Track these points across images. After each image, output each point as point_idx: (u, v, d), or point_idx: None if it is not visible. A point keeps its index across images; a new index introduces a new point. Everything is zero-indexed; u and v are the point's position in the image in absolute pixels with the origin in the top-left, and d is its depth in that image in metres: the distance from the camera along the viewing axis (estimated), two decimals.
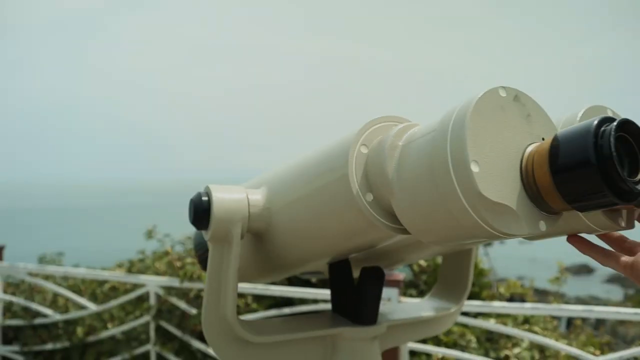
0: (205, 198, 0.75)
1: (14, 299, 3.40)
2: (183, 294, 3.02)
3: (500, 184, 0.48)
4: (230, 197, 0.76)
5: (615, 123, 0.47)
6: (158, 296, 3.03)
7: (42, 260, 4.58)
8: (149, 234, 3.95)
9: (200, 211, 0.74)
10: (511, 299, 3.97)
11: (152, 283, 3.00)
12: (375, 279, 0.88)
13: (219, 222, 0.73)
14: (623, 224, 0.59)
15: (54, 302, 3.42)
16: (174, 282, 2.91)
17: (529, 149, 0.51)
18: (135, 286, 3.17)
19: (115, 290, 3.37)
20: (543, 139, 0.53)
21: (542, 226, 0.50)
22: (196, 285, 2.87)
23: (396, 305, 1.07)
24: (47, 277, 3.48)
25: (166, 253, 3.28)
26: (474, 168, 0.46)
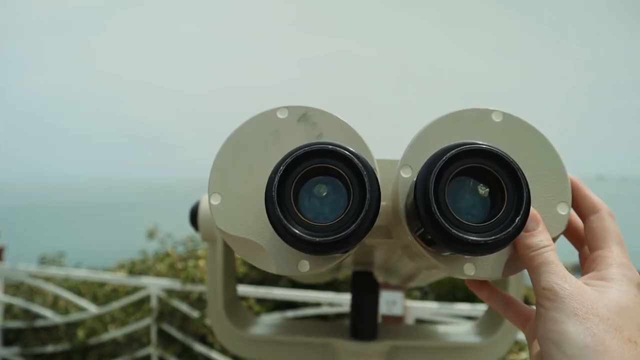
0: (196, 206, 0.87)
1: (14, 300, 3.37)
2: (185, 296, 2.99)
3: (249, 218, 0.43)
4: None
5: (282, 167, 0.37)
6: (159, 298, 3.00)
7: (43, 260, 4.56)
8: (151, 234, 3.94)
9: (192, 215, 0.86)
10: None
11: (154, 285, 2.97)
12: (364, 292, 0.85)
13: (202, 224, 0.85)
14: (472, 273, 0.43)
15: (54, 303, 3.40)
16: (176, 285, 2.89)
17: None
18: (137, 288, 3.14)
19: (116, 291, 3.35)
20: None
21: (304, 266, 0.42)
22: (198, 288, 2.84)
23: (418, 327, 1.00)
24: (47, 279, 3.45)
25: (167, 255, 3.25)
26: (214, 200, 0.44)
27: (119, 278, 3.20)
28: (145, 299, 3.10)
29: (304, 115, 0.45)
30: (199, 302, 2.96)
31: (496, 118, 0.44)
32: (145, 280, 3.03)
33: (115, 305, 3.12)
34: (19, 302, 3.36)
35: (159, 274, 3.34)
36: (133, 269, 3.98)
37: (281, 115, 0.44)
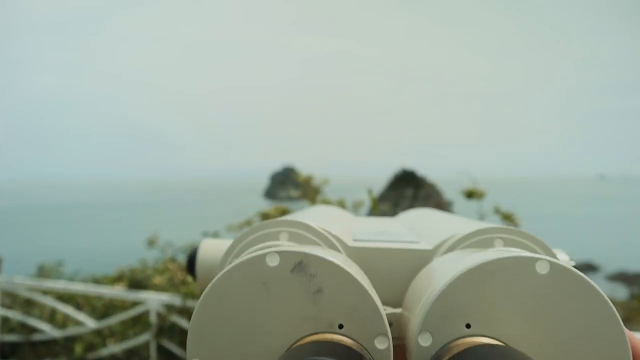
0: (194, 252, 0.75)
1: (10, 313, 3.30)
2: (184, 311, 2.92)
3: None
4: (214, 251, 0.74)
5: None
6: (159, 314, 2.93)
7: (41, 269, 4.50)
8: (150, 243, 3.88)
9: (189, 262, 0.75)
10: None
11: (153, 300, 2.90)
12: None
13: (201, 274, 0.74)
14: None
15: (52, 317, 3.33)
16: (176, 300, 2.81)
17: (305, 341, 0.35)
18: (136, 303, 3.07)
19: (115, 305, 3.28)
20: (341, 327, 0.35)
21: None
22: None
23: None
24: (45, 292, 3.38)
25: (167, 268, 3.16)
26: None
27: (118, 292, 3.12)
28: (144, 314, 3.02)
29: (299, 264, 0.36)
30: None
31: (541, 270, 0.34)
32: (144, 295, 2.95)
33: (114, 320, 3.05)
34: (15, 315, 3.29)
35: (158, 287, 3.27)
36: (133, 277, 3.92)
37: (271, 262, 0.36)
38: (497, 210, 4.16)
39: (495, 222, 0.58)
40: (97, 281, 4.29)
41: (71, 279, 4.50)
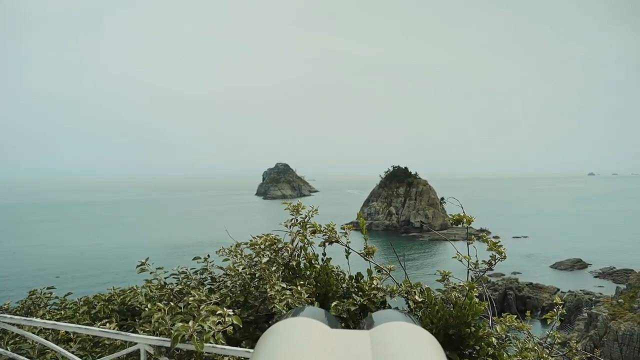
0: None
1: (0, 350, 3.32)
2: (173, 351, 2.94)
3: None
4: None
5: None
6: (148, 354, 2.95)
7: (32, 293, 4.51)
8: (141, 268, 3.94)
9: None
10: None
11: (143, 341, 2.92)
12: None
13: None
14: None
15: (42, 354, 3.34)
16: (166, 342, 2.84)
17: None
18: (126, 342, 3.09)
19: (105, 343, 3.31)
20: None
21: None
22: (187, 347, 2.79)
23: None
24: (32, 329, 3.40)
25: (158, 309, 3.17)
26: None
27: (109, 332, 3.14)
28: (134, 354, 3.05)
29: None
30: (188, 357, 2.93)
31: None
32: (134, 335, 2.98)
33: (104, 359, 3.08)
34: (5, 352, 3.30)
35: (149, 321, 3.29)
36: (124, 301, 3.98)
37: None
38: (484, 239, 4.20)
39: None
40: (88, 302, 4.32)
41: (63, 301, 4.52)
